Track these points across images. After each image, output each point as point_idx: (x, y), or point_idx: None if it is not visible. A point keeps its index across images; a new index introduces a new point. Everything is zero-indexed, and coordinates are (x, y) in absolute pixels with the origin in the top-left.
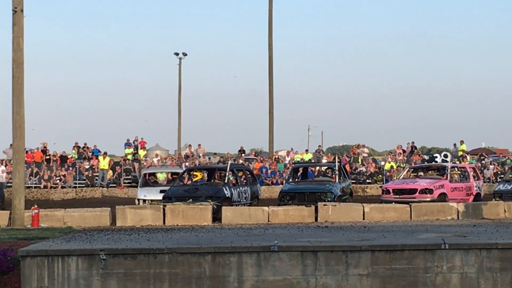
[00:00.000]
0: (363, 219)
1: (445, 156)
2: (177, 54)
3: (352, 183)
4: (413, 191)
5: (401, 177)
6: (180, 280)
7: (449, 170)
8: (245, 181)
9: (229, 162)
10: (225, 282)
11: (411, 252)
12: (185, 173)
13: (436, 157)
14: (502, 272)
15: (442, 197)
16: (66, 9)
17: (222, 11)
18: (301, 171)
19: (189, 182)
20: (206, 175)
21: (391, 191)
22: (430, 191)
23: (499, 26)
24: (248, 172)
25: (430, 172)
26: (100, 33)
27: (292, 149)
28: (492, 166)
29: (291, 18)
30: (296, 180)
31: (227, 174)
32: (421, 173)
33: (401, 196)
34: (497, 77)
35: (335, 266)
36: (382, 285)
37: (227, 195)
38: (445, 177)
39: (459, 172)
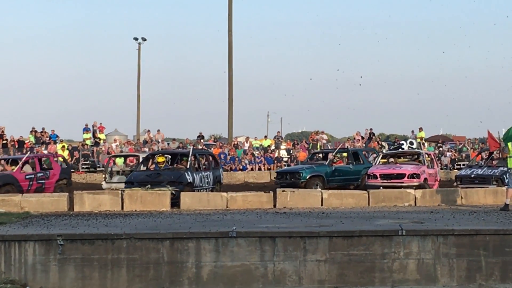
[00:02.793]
0: (322, 205)
1: (411, 143)
2: (136, 39)
3: None
4: (401, 176)
5: (377, 162)
6: (138, 266)
7: (424, 156)
8: (207, 166)
9: (191, 147)
10: (183, 267)
11: (369, 238)
12: (148, 158)
13: (403, 144)
14: (458, 258)
15: (425, 182)
16: None
17: None
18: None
19: (153, 166)
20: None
21: (378, 176)
22: (418, 176)
23: (449, 13)
24: (210, 157)
25: (401, 158)
26: (59, 16)
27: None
28: (450, 153)
29: (251, 3)
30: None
31: (189, 160)
32: (392, 159)
33: (389, 181)
34: (454, 65)
35: (293, 251)
36: (340, 271)
37: (189, 180)
38: (422, 163)
39: (429, 158)
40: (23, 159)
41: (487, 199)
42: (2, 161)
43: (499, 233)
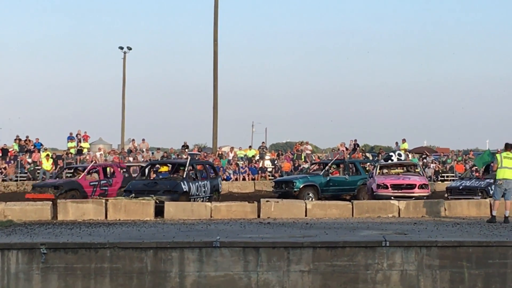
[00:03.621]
0: (306, 215)
1: (399, 155)
2: (121, 48)
3: None
4: (411, 186)
5: (376, 174)
6: (122, 275)
7: (421, 168)
8: (204, 175)
9: (189, 157)
10: (166, 277)
11: (352, 249)
12: (148, 167)
13: (392, 155)
14: (441, 270)
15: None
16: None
17: (168, 5)
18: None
19: (155, 175)
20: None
21: (389, 186)
22: (426, 186)
23: (434, 25)
24: (209, 167)
25: (395, 169)
26: (44, 24)
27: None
28: (434, 165)
29: (237, 13)
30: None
31: (186, 169)
32: (386, 171)
33: (400, 191)
34: (439, 76)
35: (276, 262)
36: (323, 282)
37: (184, 189)
38: (421, 174)
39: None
40: (88, 167)
41: (471, 211)
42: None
43: (482, 245)
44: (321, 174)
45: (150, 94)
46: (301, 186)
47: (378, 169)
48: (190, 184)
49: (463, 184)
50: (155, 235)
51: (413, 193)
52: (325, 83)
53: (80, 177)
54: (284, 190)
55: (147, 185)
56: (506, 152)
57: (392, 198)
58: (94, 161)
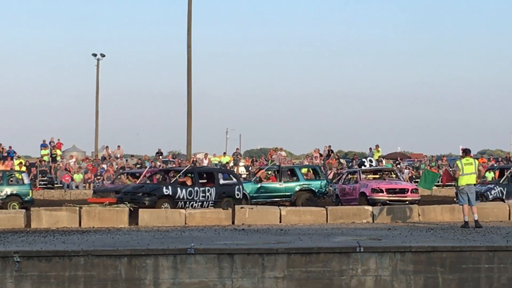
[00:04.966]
0: (280, 222)
1: (371, 161)
2: (95, 55)
3: None
4: (404, 190)
5: (361, 178)
6: (96, 283)
7: (400, 173)
8: (208, 181)
9: (188, 165)
10: (141, 284)
11: (327, 255)
12: (159, 173)
13: (364, 161)
14: (415, 275)
15: None
16: None
17: (141, 11)
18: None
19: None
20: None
21: (384, 190)
22: (417, 191)
23: (407, 30)
24: (223, 174)
25: (370, 175)
26: (17, 31)
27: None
28: (407, 170)
29: (211, 19)
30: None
31: (178, 175)
32: (363, 176)
33: (394, 195)
34: (412, 82)
35: (251, 268)
36: None
37: (166, 193)
38: (401, 179)
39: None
40: (144, 173)
41: (444, 216)
42: (126, 175)
43: (456, 249)
44: (252, 180)
45: (123, 100)
46: None
47: (361, 174)
48: (178, 189)
49: None
50: (129, 243)
51: (406, 197)
52: (299, 89)
53: (137, 182)
54: None
55: (134, 187)
56: (465, 158)
57: (387, 202)
58: (149, 166)
